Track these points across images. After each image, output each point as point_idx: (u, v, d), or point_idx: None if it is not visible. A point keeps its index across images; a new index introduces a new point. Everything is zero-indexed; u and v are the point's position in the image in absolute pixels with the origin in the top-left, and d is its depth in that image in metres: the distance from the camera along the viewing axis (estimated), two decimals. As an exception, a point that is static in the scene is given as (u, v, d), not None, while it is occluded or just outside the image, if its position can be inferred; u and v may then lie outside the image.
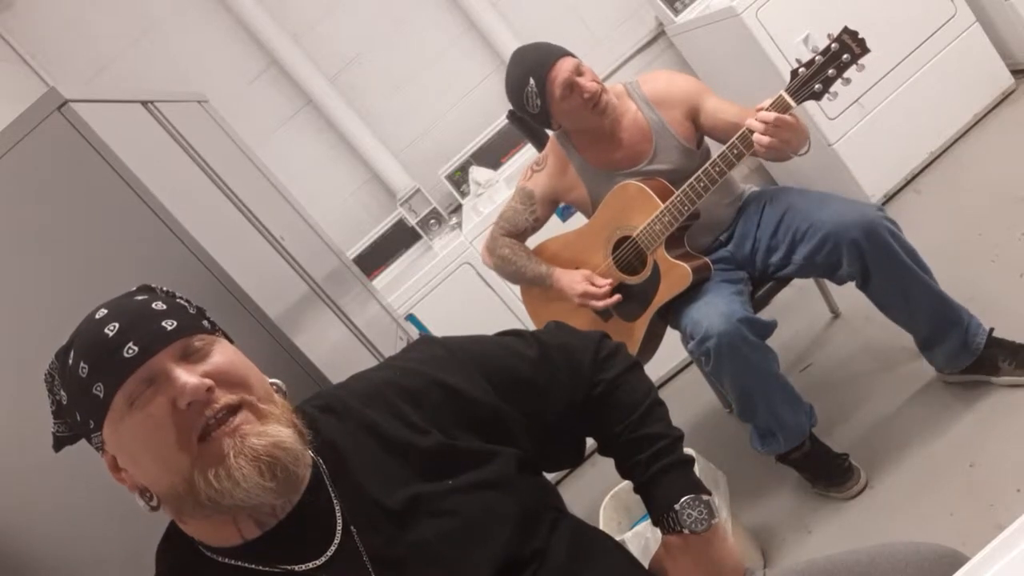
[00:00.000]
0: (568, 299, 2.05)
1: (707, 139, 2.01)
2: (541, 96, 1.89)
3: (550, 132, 2.08)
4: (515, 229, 2.13)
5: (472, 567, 0.88)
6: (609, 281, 1.99)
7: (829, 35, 1.62)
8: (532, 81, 1.88)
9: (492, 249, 2.16)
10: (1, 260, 1.30)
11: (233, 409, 0.83)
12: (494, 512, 0.92)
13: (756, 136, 1.66)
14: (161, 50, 3.05)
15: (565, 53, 1.90)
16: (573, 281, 2.02)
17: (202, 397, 0.81)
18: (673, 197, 1.84)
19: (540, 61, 1.89)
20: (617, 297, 1.97)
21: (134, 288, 0.92)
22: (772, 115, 1.63)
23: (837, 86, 1.63)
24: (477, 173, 3.02)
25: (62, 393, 0.87)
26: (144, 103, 1.55)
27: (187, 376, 0.82)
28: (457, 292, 2.74)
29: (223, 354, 0.87)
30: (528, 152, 2.98)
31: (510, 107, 2.79)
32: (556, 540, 0.95)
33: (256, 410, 0.85)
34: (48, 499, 1.38)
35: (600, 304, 1.98)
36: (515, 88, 1.93)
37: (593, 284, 1.99)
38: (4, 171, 1.27)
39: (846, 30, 1.61)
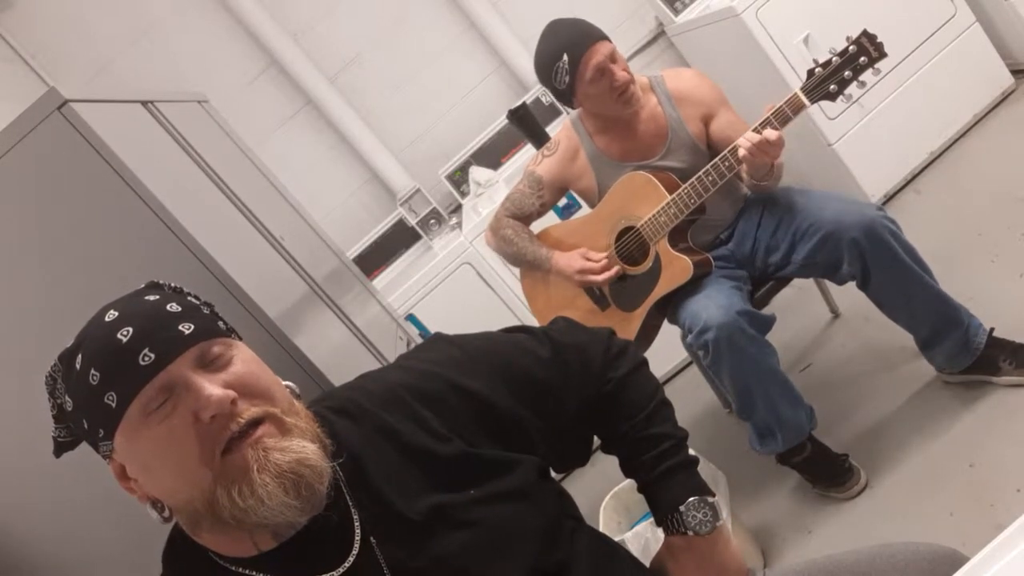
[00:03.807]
0: (566, 285, 2.05)
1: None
2: (571, 74, 1.88)
3: (567, 113, 2.07)
4: (520, 212, 2.12)
5: None
6: (604, 255, 1.99)
7: (848, 37, 1.63)
8: (566, 57, 1.87)
9: (495, 229, 2.16)
10: (1, 260, 1.31)
11: (256, 422, 0.79)
12: (519, 524, 0.89)
13: (739, 140, 1.72)
14: (161, 50, 3.06)
15: (604, 36, 1.90)
16: (570, 259, 2.02)
17: (226, 410, 0.77)
18: (680, 189, 1.85)
19: (578, 39, 1.88)
20: (616, 270, 1.97)
21: (142, 286, 0.88)
22: (758, 138, 1.69)
23: (851, 88, 1.65)
24: (477, 173, 3.02)
25: (66, 398, 0.82)
26: (144, 103, 1.55)
27: (211, 387, 0.77)
28: (457, 292, 2.74)
29: (244, 362, 0.83)
30: (528, 152, 2.98)
31: (510, 107, 2.83)
32: (577, 550, 0.93)
33: (280, 423, 0.81)
34: (48, 499, 1.38)
35: (599, 279, 1.97)
36: (546, 60, 1.92)
37: (589, 259, 1.99)
38: (4, 171, 1.27)
39: (865, 33, 1.62)
